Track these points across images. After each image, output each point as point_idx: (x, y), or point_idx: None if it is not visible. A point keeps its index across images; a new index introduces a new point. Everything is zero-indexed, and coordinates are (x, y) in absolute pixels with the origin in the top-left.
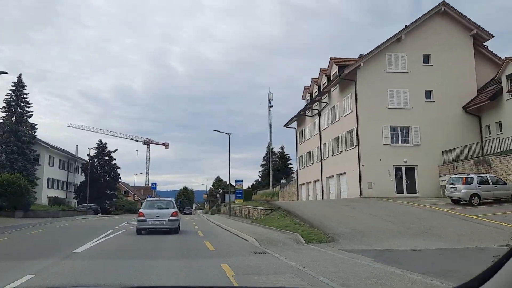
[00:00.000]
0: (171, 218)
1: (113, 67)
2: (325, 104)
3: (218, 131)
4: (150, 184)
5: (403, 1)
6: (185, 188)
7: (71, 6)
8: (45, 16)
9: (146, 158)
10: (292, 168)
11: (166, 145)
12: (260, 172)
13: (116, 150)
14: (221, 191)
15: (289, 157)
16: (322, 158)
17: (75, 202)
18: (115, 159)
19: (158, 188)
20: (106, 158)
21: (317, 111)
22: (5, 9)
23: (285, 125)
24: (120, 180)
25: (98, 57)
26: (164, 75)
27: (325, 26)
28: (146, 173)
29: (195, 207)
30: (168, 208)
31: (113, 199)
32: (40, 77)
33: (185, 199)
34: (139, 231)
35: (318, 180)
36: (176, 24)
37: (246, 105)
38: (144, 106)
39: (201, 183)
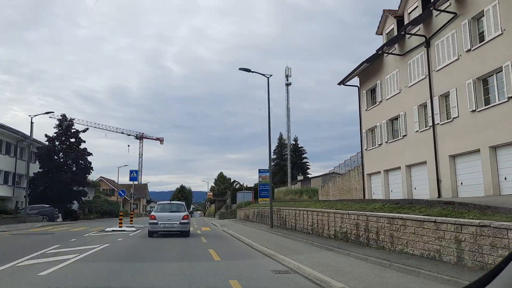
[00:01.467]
0: (182, 221)
1: (108, 67)
2: (452, 16)
3: (248, 70)
4: (143, 183)
5: (397, 2)
6: (182, 187)
7: (65, 6)
8: (39, 16)
9: (139, 154)
10: (307, 164)
11: (161, 141)
12: (272, 167)
13: (87, 129)
14: (237, 185)
15: (303, 150)
16: (438, 121)
17: (27, 202)
18: (84, 142)
19: (153, 188)
20: (72, 140)
21: (422, 40)
22: None
23: (342, 82)
24: (92, 171)
25: (92, 57)
26: (159, 75)
27: (320, 27)
28: (138, 171)
29: (193, 208)
30: (179, 212)
31: (82, 198)
32: (34, 77)
33: (182, 199)
34: (151, 234)
35: (422, 163)
36: (171, 24)
37: (242, 106)
38: (139, 106)
39: (201, 180)
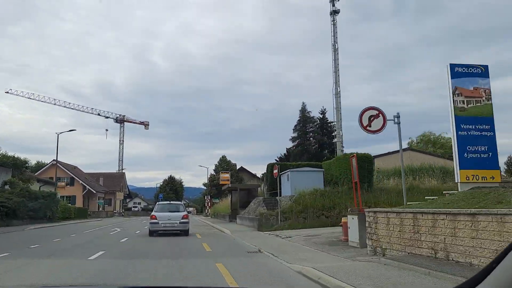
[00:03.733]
0: (182, 220)
1: (94, 62)
2: None
3: None
4: (119, 171)
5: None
6: (171, 178)
7: None
8: (23, 9)
9: (119, 140)
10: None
11: (146, 125)
12: (292, 148)
13: None
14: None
15: (334, 126)
16: None
17: None
18: None
19: (141, 184)
20: None
21: None
22: None
23: None
24: None
25: (78, 51)
26: (146, 70)
27: (308, 22)
28: (119, 160)
29: (184, 204)
30: (179, 211)
31: None
32: (19, 72)
33: (170, 193)
34: (151, 233)
35: None
36: (158, 19)
37: (230, 101)
38: (126, 101)
39: (199, 165)
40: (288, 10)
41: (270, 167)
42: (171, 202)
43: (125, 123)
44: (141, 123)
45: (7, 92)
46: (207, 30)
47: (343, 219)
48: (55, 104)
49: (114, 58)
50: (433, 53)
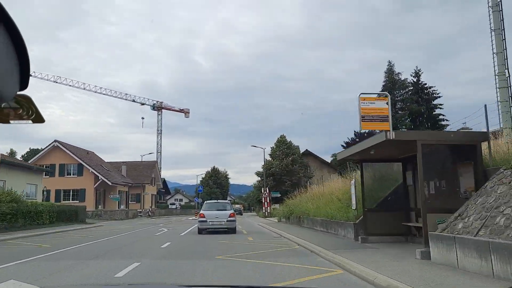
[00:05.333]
0: (229, 219)
1: (138, 63)
2: None
3: None
4: (147, 160)
5: None
6: (215, 170)
7: (96, 3)
8: (71, 15)
9: (157, 130)
10: (441, 117)
11: (186, 113)
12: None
13: None
14: None
15: (434, 92)
16: None
17: None
18: None
19: (185, 181)
20: None
21: None
22: (32, 8)
23: None
24: None
25: (123, 53)
26: (188, 70)
27: (349, 15)
28: (157, 152)
29: (229, 200)
30: (226, 210)
31: None
32: (68, 74)
33: (214, 187)
34: (200, 231)
35: None
36: (198, 19)
37: (270, 99)
38: (169, 100)
39: (251, 145)
40: (328, 3)
41: None
42: (218, 200)
43: (163, 111)
44: (181, 110)
45: (30, 75)
46: (246, 28)
47: None
48: (84, 89)
49: (157, 58)
50: (482, 42)
